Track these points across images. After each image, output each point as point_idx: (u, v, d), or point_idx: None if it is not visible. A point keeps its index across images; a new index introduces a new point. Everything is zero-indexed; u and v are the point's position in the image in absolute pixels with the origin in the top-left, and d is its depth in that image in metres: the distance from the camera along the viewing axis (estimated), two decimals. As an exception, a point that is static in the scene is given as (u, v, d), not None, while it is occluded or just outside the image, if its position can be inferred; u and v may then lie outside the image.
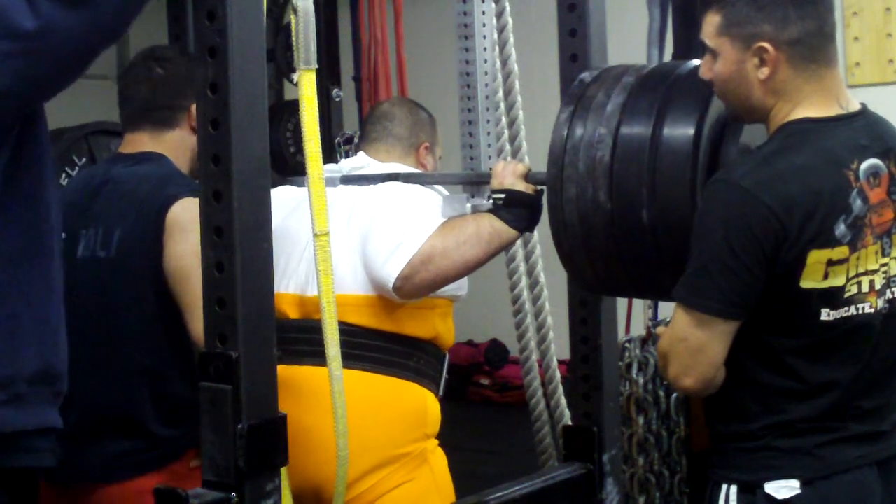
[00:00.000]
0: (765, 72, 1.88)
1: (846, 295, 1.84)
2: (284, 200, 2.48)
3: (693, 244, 1.86)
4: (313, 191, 1.78)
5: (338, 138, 3.85)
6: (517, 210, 2.34)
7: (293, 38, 1.79)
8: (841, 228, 1.82)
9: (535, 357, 2.84)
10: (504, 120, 2.68)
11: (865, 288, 1.86)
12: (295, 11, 1.77)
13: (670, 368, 1.92)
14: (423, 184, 2.53)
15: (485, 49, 2.73)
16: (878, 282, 1.88)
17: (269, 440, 1.66)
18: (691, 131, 1.99)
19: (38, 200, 1.68)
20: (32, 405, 1.67)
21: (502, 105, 2.68)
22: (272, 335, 1.69)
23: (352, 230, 2.40)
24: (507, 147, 2.69)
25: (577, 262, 2.12)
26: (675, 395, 2.92)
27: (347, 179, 2.54)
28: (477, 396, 6.65)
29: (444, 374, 2.57)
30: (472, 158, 2.76)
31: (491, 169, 2.46)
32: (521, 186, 2.35)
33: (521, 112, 2.71)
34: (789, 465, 1.87)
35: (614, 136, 2.03)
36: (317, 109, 1.78)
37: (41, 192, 1.69)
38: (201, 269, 1.68)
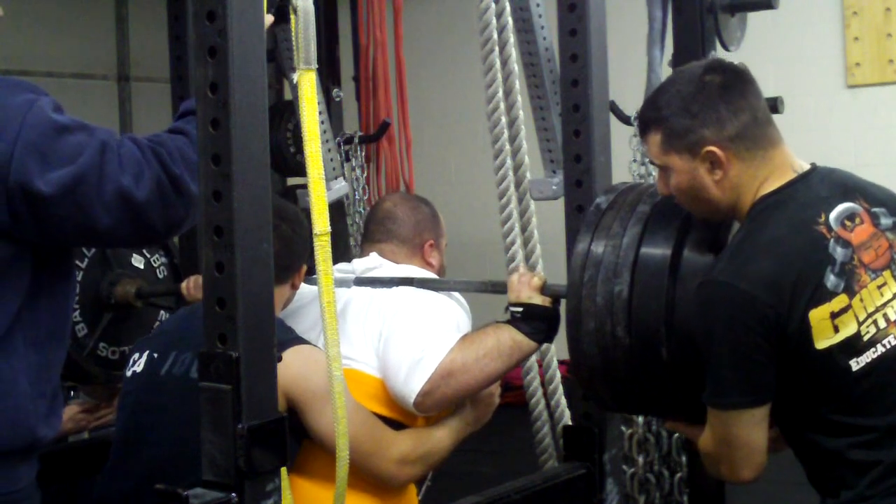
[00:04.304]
0: (718, 174, 1.93)
1: (865, 339, 1.83)
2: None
3: (701, 349, 1.87)
4: (313, 192, 1.77)
5: (338, 138, 3.86)
6: (536, 323, 2.35)
7: (293, 39, 1.79)
8: (831, 280, 1.83)
9: (535, 357, 2.83)
10: (504, 120, 2.67)
11: (882, 324, 1.85)
12: (295, 11, 1.77)
13: (722, 469, 1.96)
14: (437, 290, 2.52)
15: (544, 38, 2.80)
16: (893, 313, 1.86)
17: (269, 440, 1.65)
18: (709, 263, 1.97)
19: (60, 293, 1.83)
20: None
21: (502, 105, 2.67)
22: (272, 335, 1.69)
23: (368, 330, 2.40)
24: (508, 147, 2.68)
25: (596, 387, 2.13)
26: (675, 395, 2.92)
27: (361, 281, 2.53)
28: (477, 396, 6.63)
29: (428, 481, 2.56)
30: (547, 140, 2.82)
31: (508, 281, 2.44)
32: (538, 300, 2.35)
33: (521, 112, 2.70)
34: None
35: (632, 272, 2.02)
36: (317, 109, 1.78)
37: (65, 287, 1.84)
38: (205, 271, 1.67)
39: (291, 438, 2.12)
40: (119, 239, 1.83)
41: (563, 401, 2.76)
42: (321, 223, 1.79)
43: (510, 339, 2.33)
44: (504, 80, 2.67)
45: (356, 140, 3.90)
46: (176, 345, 2.32)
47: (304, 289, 2.50)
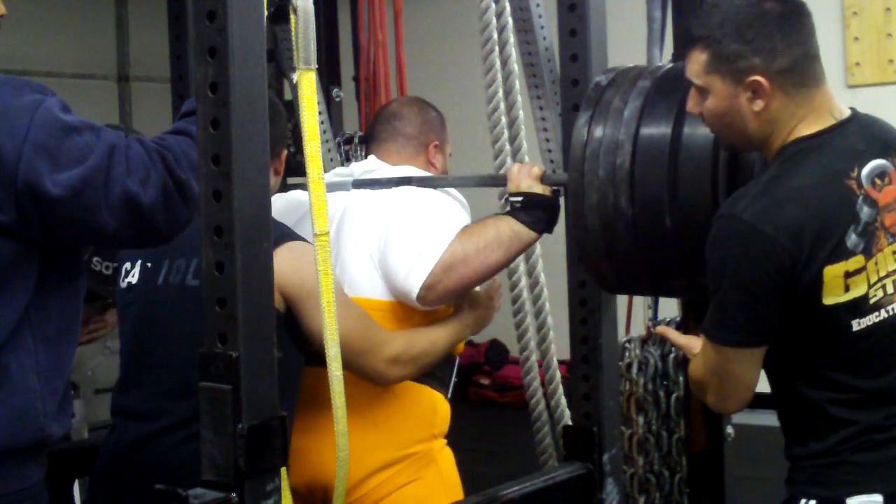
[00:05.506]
0: (759, 104, 1.88)
1: (871, 301, 1.84)
2: (294, 206, 2.48)
3: (708, 279, 1.86)
4: (313, 191, 1.78)
5: (338, 138, 3.85)
6: (536, 212, 2.35)
7: (293, 39, 1.79)
8: (852, 239, 1.81)
9: (535, 357, 2.84)
10: (504, 120, 2.68)
11: (890, 289, 1.86)
12: (295, 11, 1.77)
13: (709, 397, 1.97)
14: (436, 188, 2.52)
15: (544, 38, 2.79)
16: None
17: (269, 440, 1.65)
18: (711, 134, 1.98)
19: (68, 290, 1.83)
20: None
21: (502, 105, 2.68)
22: (272, 335, 1.69)
23: (368, 237, 2.40)
24: (508, 147, 2.69)
25: (601, 266, 2.11)
26: (675, 395, 2.92)
27: (359, 184, 2.54)
28: (477, 396, 6.66)
29: (454, 378, 2.57)
30: (547, 140, 2.82)
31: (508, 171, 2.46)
32: (538, 189, 2.35)
33: (521, 112, 2.71)
34: (870, 480, 1.86)
35: (633, 141, 2.01)
36: (317, 109, 1.78)
37: (74, 285, 1.84)
38: (205, 271, 1.68)
39: (287, 338, 2.16)
40: (123, 240, 1.83)
41: (563, 401, 2.76)
42: (321, 223, 1.79)
43: (509, 229, 2.33)
44: (504, 80, 2.67)
45: (356, 140, 3.89)
46: (167, 252, 2.27)
47: (293, 197, 2.54)
